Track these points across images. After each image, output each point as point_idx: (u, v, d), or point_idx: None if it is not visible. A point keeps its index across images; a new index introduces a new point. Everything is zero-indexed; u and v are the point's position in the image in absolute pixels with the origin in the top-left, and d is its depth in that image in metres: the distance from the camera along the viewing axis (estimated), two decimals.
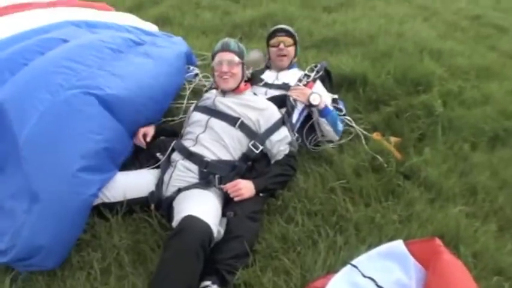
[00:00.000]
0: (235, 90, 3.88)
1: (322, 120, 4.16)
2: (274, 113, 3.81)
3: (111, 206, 3.42)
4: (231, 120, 3.70)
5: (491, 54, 6.89)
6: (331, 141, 4.30)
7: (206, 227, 2.90)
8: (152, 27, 5.79)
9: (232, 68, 3.78)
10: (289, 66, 4.72)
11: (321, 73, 4.62)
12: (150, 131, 3.90)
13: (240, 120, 3.68)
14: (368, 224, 3.38)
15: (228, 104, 3.79)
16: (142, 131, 3.84)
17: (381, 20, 7.61)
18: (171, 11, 8.11)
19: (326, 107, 4.18)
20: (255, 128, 3.72)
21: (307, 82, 4.44)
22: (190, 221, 2.90)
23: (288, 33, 4.65)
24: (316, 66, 4.63)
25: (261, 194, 3.50)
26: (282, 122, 3.79)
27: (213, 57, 3.93)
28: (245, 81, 4.00)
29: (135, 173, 3.68)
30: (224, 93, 3.89)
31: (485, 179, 3.99)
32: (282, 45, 4.59)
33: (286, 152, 3.69)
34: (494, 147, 4.53)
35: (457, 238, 3.25)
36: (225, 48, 3.84)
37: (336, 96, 4.66)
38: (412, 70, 5.36)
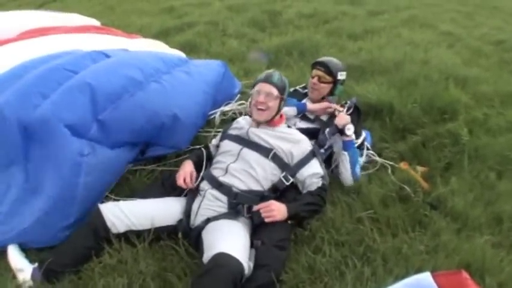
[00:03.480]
0: (270, 123, 3.86)
1: (344, 154, 4.15)
2: (307, 146, 3.81)
3: (138, 233, 3.46)
4: (265, 151, 3.70)
5: None
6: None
7: (238, 265, 2.90)
8: (180, 54, 5.85)
9: (269, 101, 3.75)
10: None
11: (351, 110, 4.59)
12: (193, 173, 3.81)
13: (273, 152, 3.69)
14: (395, 254, 3.38)
15: (261, 135, 3.79)
16: (185, 175, 3.74)
17: (406, 47, 7.67)
18: (198, 38, 8.24)
19: (352, 140, 4.19)
20: (287, 159, 3.73)
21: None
22: (223, 259, 2.90)
23: (327, 70, 4.56)
24: (346, 103, 4.63)
25: (289, 222, 3.51)
26: (312, 154, 3.79)
27: (254, 85, 3.92)
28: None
29: (162, 201, 3.70)
30: (258, 124, 3.87)
31: (511, 208, 3.97)
32: (315, 80, 4.58)
33: (319, 184, 3.68)
34: None
35: (483, 268, 3.23)
36: (268, 80, 3.82)
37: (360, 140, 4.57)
38: (437, 98, 5.40)
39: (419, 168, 4.40)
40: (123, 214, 3.43)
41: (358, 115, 4.69)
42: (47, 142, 3.55)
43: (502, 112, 5.54)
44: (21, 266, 3.32)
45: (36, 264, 3.29)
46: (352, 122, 4.31)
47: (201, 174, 3.81)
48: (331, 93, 4.64)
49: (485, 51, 8.24)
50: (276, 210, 3.40)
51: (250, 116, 3.98)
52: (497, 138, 4.94)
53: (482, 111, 5.40)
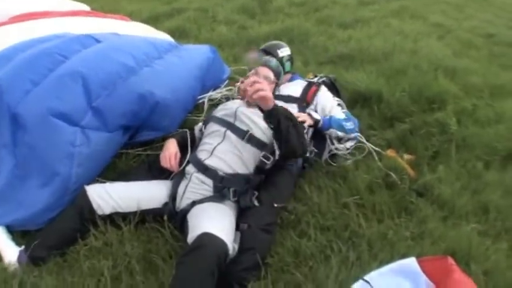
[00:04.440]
0: None
1: (331, 131, 4.24)
2: None
3: (124, 215, 3.44)
4: (241, 133, 3.67)
5: (505, 72, 6.88)
6: (344, 156, 4.34)
7: (222, 244, 2.88)
8: (169, 39, 5.84)
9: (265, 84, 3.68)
10: (291, 79, 4.79)
11: (324, 79, 4.76)
12: (177, 154, 3.80)
13: (248, 134, 3.66)
14: (380, 240, 3.38)
15: (248, 114, 3.77)
16: (170, 156, 3.75)
17: (395, 37, 7.66)
18: (187, 23, 8.18)
19: (322, 119, 4.25)
20: (265, 138, 3.69)
21: (311, 87, 4.56)
22: (207, 239, 2.87)
23: (266, 53, 4.70)
24: (316, 76, 4.83)
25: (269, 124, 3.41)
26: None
27: (250, 69, 3.94)
28: None
29: (149, 184, 3.68)
30: (249, 105, 3.83)
31: (498, 198, 3.97)
32: None
33: None
34: (507, 166, 4.50)
35: (469, 256, 3.24)
36: (266, 64, 3.91)
37: (341, 102, 4.72)
38: (426, 88, 5.39)
39: (406, 156, 4.39)
40: (109, 196, 3.42)
41: (336, 89, 4.87)
42: (38, 131, 3.50)
43: (490, 104, 5.54)
44: (8, 248, 3.29)
45: (22, 247, 3.27)
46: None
47: (187, 157, 3.78)
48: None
49: (475, 44, 8.25)
50: (266, 86, 3.24)
51: (242, 99, 3.96)
52: (485, 128, 4.94)
53: (471, 102, 5.40)
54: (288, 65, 4.74)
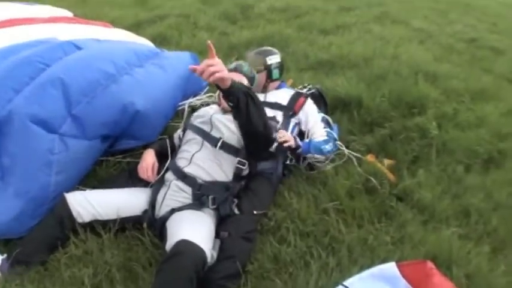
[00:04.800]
0: None
1: (310, 156, 4.23)
2: None
3: (104, 223, 3.44)
4: (214, 141, 3.67)
5: (487, 76, 6.91)
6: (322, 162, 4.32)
7: (200, 252, 2.88)
8: (150, 45, 5.82)
9: None
10: (279, 86, 4.78)
11: (313, 91, 4.74)
12: (155, 164, 3.81)
13: (221, 141, 3.65)
14: (360, 245, 3.38)
15: (224, 121, 3.76)
16: (147, 168, 3.75)
17: (376, 42, 7.69)
18: (169, 30, 8.16)
19: (301, 145, 4.23)
20: (238, 143, 3.68)
21: (299, 98, 4.54)
22: (184, 246, 2.87)
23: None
24: (306, 87, 4.76)
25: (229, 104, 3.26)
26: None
27: None
28: None
29: (128, 191, 3.68)
30: (225, 112, 3.84)
31: (479, 201, 3.99)
32: None
33: None
34: (488, 169, 4.52)
35: (450, 260, 3.24)
36: (238, 69, 3.87)
37: (327, 117, 4.71)
38: (406, 93, 5.41)
39: (386, 161, 4.39)
40: (89, 203, 3.41)
41: (323, 101, 4.87)
42: (18, 139, 3.50)
43: (471, 108, 5.56)
44: None
45: (5, 255, 3.26)
46: (318, 105, 4.61)
47: (166, 164, 3.78)
48: (269, 78, 4.66)
49: (457, 48, 8.27)
50: (223, 67, 2.98)
51: (219, 105, 3.98)
52: (466, 132, 4.96)
53: (452, 106, 5.40)
54: (276, 72, 4.68)
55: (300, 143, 4.21)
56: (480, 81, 6.51)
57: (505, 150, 4.76)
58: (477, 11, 11.69)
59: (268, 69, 4.60)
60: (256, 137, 3.47)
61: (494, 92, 6.21)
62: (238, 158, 3.66)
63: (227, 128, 3.71)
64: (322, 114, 4.66)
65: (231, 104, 3.18)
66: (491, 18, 11.13)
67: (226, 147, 3.65)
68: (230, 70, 3.82)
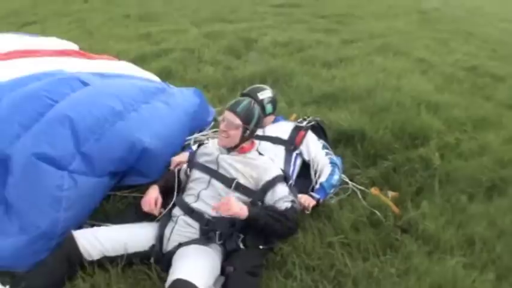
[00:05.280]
0: (240, 150, 3.83)
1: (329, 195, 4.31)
2: (272, 169, 3.76)
3: (112, 259, 3.46)
4: (227, 182, 3.68)
5: (488, 104, 6.98)
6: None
7: None
8: (156, 79, 5.91)
9: (230, 129, 3.70)
10: (275, 120, 4.85)
11: (312, 123, 4.80)
12: (158, 199, 3.81)
13: (235, 182, 3.66)
14: (366, 278, 3.41)
15: (230, 162, 3.77)
16: (150, 201, 3.76)
17: (379, 74, 7.77)
18: (174, 64, 8.24)
19: (319, 197, 4.25)
20: (253, 186, 3.69)
21: (299, 131, 4.65)
22: (179, 286, 2.93)
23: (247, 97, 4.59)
24: (306, 120, 4.84)
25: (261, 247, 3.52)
26: (280, 179, 3.74)
27: (221, 113, 3.93)
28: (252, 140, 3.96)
29: (135, 226, 3.71)
30: (229, 150, 3.84)
31: (483, 229, 4.02)
32: None
33: (289, 206, 3.59)
34: (491, 197, 4.56)
35: None
36: (232, 108, 3.79)
37: (325, 143, 4.76)
38: (409, 124, 5.48)
39: (390, 193, 4.44)
40: (97, 240, 3.43)
41: (323, 132, 4.92)
42: (26, 175, 3.56)
43: (474, 136, 5.63)
44: None
45: (7, 287, 3.23)
46: (320, 137, 4.70)
47: (174, 197, 3.80)
48: (263, 114, 4.49)
49: (458, 77, 8.31)
50: (233, 204, 3.34)
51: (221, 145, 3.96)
52: (469, 161, 5.02)
53: (454, 136, 5.48)
54: (269, 107, 4.72)
55: (317, 196, 4.21)
56: (481, 109, 6.58)
57: (508, 178, 4.80)
58: (478, 39, 11.74)
59: (260, 104, 4.58)
60: (286, 236, 3.71)
61: (496, 119, 6.27)
62: (251, 199, 3.68)
63: (234, 169, 3.74)
64: (323, 141, 4.73)
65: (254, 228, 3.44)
66: (492, 45, 11.18)
67: (240, 188, 3.68)
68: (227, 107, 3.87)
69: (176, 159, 4.22)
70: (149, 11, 13.43)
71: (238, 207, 3.34)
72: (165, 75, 7.43)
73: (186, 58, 8.75)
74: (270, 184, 3.67)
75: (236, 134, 3.73)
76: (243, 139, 3.79)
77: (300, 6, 14.11)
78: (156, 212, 3.73)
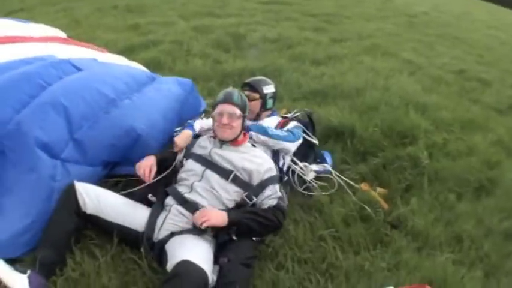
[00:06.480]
0: (234, 143, 3.82)
1: (251, 133, 4.25)
2: (271, 169, 3.76)
3: (103, 221, 3.43)
4: (225, 173, 3.67)
5: (475, 107, 7.10)
6: (321, 188, 4.39)
7: (202, 273, 2.86)
8: (145, 70, 5.82)
9: (233, 121, 3.71)
10: (270, 115, 4.86)
11: (298, 114, 4.86)
12: (154, 167, 3.80)
13: (233, 174, 3.66)
14: (357, 271, 3.42)
15: (224, 155, 3.75)
16: (145, 166, 3.76)
17: (367, 74, 7.83)
18: (163, 56, 8.22)
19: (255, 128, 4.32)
20: (249, 179, 3.69)
21: (283, 119, 4.71)
22: (187, 266, 2.85)
23: (252, 89, 4.70)
24: (297, 112, 4.91)
25: (253, 238, 3.49)
26: (276, 179, 3.75)
27: (214, 107, 3.88)
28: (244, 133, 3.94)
29: (133, 203, 3.64)
30: (222, 144, 3.84)
31: (471, 228, 4.08)
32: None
33: (274, 203, 3.60)
34: (479, 197, 4.63)
35: (445, 284, 3.31)
36: (228, 100, 3.77)
37: (315, 141, 4.80)
38: (398, 123, 5.53)
39: (379, 190, 4.47)
40: (97, 200, 3.42)
41: (312, 125, 4.93)
42: (21, 161, 3.53)
43: (461, 137, 5.71)
44: (15, 277, 3.07)
45: (28, 272, 3.08)
46: (307, 129, 4.71)
47: (169, 170, 3.89)
48: (263, 108, 4.73)
49: (445, 80, 8.44)
50: (211, 215, 3.32)
51: (214, 138, 3.94)
52: (456, 161, 5.09)
53: (442, 136, 5.54)
54: (270, 102, 4.77)
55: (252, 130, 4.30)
56: (468, 111, 6.68)
57: (495, 179, 4.87)
58: (465, 44, 11.87)
59: (263, 98, 4.67)
60: (264, 235, 3.65)
61: (483, 122, 6.38)
62: (247, 192, 3.66)
63: (228, 162, 3.73)
64: (300, 126, 4.73)
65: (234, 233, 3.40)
66: (479, 50, 11.33)
67: (238, 181, 3.67)
68: (219, 101, 3.86)
69: (181, 143, 4.17)
70: (137, 2, 13.41)
71: (216, 217, 3.34)
72: (154, 66, 7.39)
73: (175, 50, 8.74)
74: (266, 183, 3.68)
75: (238, 125, 3.75)
76: (242, 129, 3.82)
77: (289, 4, 14.22)
78: (148, 179, 3.72)
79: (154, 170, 3.78)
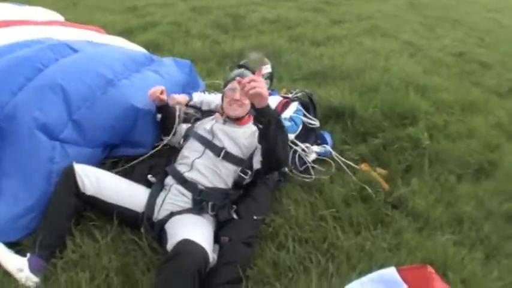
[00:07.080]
0: (239, 121, 3.85)
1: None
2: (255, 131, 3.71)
3: (102, 203, 3.44)
4: (217, 150, 3.68)
5: (475, 89, 7.06)
6: (320, 171, 4.38)
7: (203, 252, 2.85)
8: (144, 51, 5.80)
9: (245, 98, 3.72)
10: (269, 94, 4.75)
11: (299, 94, 4.86)
12: (164, 90, 3.92)
13: (223, 151, 3.67)
14: (358, 251, 3.42)
15: (226, 130, 3.78)
16: (157, 89, 3.88)
17: (367, 55, 7.82)
18: (161, 37, 8.25)
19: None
20: (241, 154, 3.71)
21: (285, 99, 4.71)
22: (187, 245, 2.84)
23: (248, 69, 4.51)
24: (297, 92, 4.91)
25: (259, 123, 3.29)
26: None
27: (225, 84, 3.92)
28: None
29: (132, 184, 3.66)
30: (225, 121, 3.87)
31: (471, 209, 4.08)
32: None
33: None
34: (479, 179, 4.62)
35: (445, 265, 3.30)
36: (242, 77, 3.58)
37: (316, 123, 4.78)
38: (398, 104, 5.50)
39: (380, 170, 4.46)
40: (97, 183, 3.42)
41: (313, 107, 4.94)
42: (20, 143, 3.54)
43: (461, 119, 5.69)
44: (18, 264, 3.13)
45: (28, 255, 3.16)
46: (308, 111, 4.72)
47: (174, 129, 4.01)
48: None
49: (446, 62, 8.40)
50: (262, 84, 3.05)
51: (221, 115, 3.96)
52: (457, 143, 5.08)
53: (442, 118, 5.52)
54: (267, 82, 4.76)
55: None
56: (469, 94, 6.64)
57: (495, 161, 4.87)
58: (465, 26, 11.83)
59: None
60: (276, 162, 3.52)
61: (483, 104, 6.35)
62: (241, 167, 3.67)
63: (228, 137, 3.75)
64: (301, 110, 4.75)
65: (261, 126, 3.23)
66: (479, 33, 11.28)
67: (229, 157, 3.68)
68: (232, 78, 3.84)
69: (176, 96, 4.16)
70: None
71: (265, 89, 3.05)
72: (153, 48, 7.41)
73: (173, 31, 8.75)
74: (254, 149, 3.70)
75: (248, 103, 3.74)
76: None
77: None
78: (160, 98, 3.87)
79: (165, 93, 3.92)
